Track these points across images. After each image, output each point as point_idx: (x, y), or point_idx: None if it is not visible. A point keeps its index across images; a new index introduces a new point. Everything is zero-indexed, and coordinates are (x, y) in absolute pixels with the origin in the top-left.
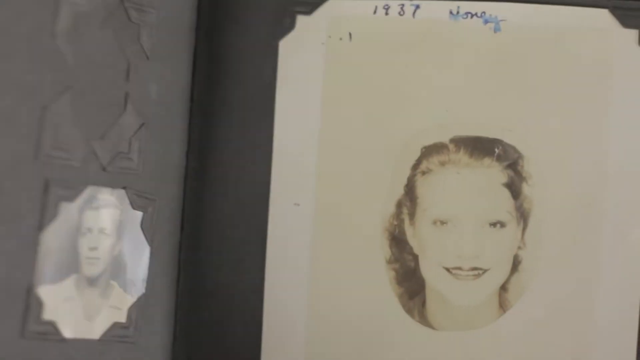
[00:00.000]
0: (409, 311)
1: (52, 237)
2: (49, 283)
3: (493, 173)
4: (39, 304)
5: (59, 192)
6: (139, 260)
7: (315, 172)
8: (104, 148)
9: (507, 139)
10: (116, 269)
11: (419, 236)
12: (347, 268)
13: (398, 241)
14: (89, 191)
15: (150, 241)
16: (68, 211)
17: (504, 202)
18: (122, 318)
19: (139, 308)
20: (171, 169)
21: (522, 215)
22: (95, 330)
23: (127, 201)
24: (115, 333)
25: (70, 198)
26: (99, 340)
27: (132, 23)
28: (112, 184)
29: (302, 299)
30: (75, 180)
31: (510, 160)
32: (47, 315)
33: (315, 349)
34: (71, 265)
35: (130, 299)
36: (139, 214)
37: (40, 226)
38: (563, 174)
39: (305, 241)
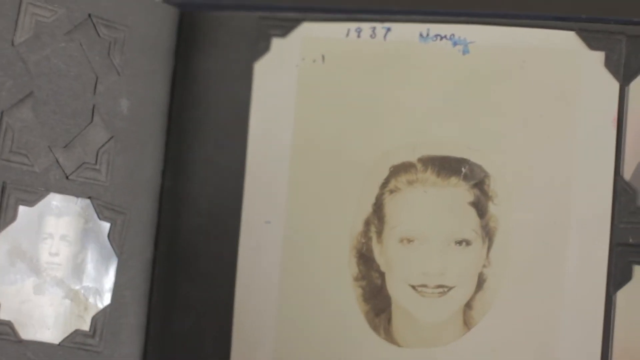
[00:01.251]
0: (375, 328)
1: (10, 239)
2: (7, 284)
3: (459, 192)
4: None
5: (17, 195)
6: (105, 270)
7: (287, 191)
8: (68, 157)
9: (474, 158)
10: (79, 276)
11: (386, 254)
12: (315, 285)
13: (365, 259)
14: (50, 197)
15: (119, 253)
16: (27, 215)
17: (470, 220)
18: (85, 326)
19: (105, 318)
20: (144, 185)
21: (488, 234)
22: (56, 335)
23: (92, 211)
24: (77, 340)
25: (30, 202)
26: (59, 345)
27: (100, 38)
28: (76, 193)
29: (271, 316)
30: (36, 186)
31: (477, 180)
32: (4, 315)
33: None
34: (31, 268)
35: (95, 308)
36: (106, 225)
37: None
38: (528, 194)
39: (276, 258)
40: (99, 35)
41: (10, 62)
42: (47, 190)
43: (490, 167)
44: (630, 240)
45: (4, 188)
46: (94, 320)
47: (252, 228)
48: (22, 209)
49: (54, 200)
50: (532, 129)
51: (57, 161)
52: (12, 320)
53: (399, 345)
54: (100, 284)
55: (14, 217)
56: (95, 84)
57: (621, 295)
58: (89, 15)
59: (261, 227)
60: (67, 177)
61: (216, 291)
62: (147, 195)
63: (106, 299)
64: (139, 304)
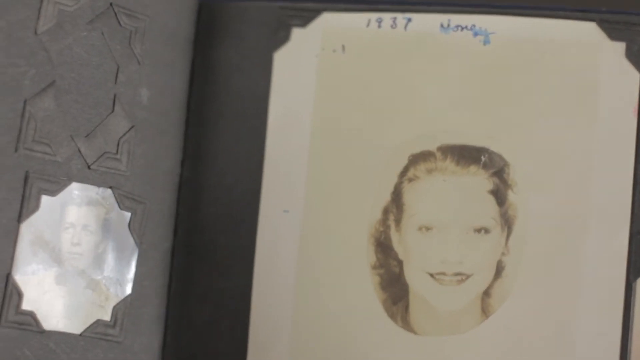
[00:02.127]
0: (392, 316)
1: (33, 229)
2: (29, 274)
3: (479, 180)
4: (18, 294)
5: (40, 185)
6: (126, 260)
7: (305, 180)
8: (90, 147)
9: (494, 147)
10: (101, 266)
11: (405, 242)
12: (333, 273)
13: (384, 247)
14: (72, 187)
15: (139, 243)
16: (50, 205)
17: (489, 208)
18: (106, 316)
19: (126, 308)
20: (163, 175)
21: (507, 222)
22: (77, 325)
23: (114, 201)
24: (98, 330)
25: (52, 192)
26: (81, 335)
27: (122, 27)
28: (97, 183)
29: (289, 305)
30: (58, 176)
31: (496, 168)
32: (26, 305)
33: (300, 355)
34: (53, 258)
35: (116, 298)
36: (127, 215)
37: (20, 217)
38: (548, 183)
39: (293, 247)
40: (120, 24)
41: (33, 51)
42: (69, 180)
43: (510, 155)
44: None
45: (26, 178)
46: (115, 310)
47: (270, 217)
48: (44, 198)
49: (76, 189)
50: (552, 119)
51: (79, 150)
52: (35, 311)
53: (416, 334)
54: (121, 274)
55: (36, 207)
56: (117, 74)
57: None
58: (111, 4)
59: (279, 216)
60: (88, 167)
61: (234, 280)
62: (166, 185)
63: (127, 289)
64: (158, 294)
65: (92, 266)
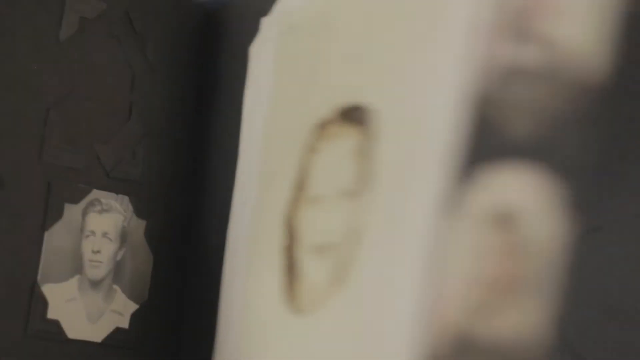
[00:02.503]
0: (290, 300)
1: (56, 237)
2: (53, 282)
3: (353, 141)
4: (44, 303)
5: (63, 193)
6: (142, 267)
7: (257, 169)
8: (108, 154)
9: (368, 102)
10: (119, 274)
11: (300, 219)
12: (266, 261)
13: (290, 228)
14: (92, 194)
15: (155, 249)
16: (71, 213)
17: (356, 170)
18: (125, 324)
19: (142, 315)
20: (178, 181)
21: (369, 182)
22: (98, 333)
23: (131, 208)
24: (117, 338)
25: (74, 200)
26: (101, 343)
27: (137, 34)
28: (115, 190)
29: (240, 296)
30: (79, 183)
31: (367, 124)
32: (51, 314)
33: (225, 343)
34: (75, 266)
35: (134, 306)
36: (143, 222)
37: (44, 226)
38: (402, 129)
39: (244, 238)
40: (135, 31)
41: (56, 59)
42: (90, 187)
43: (377, 108)
44: None
45: (49, 186)
46: (133, 317)
47: (236, 212)
48: (67, 206)
49: (96, 197)
50: (406, 57)
51: (98, 158)
52: (59, 319)
53: (300, 314)
54: (138, 282)
55: (59, 215)
56: (132, 80)
57: None
58: (127, 12)
59: (240, 211)
60: (107, 174)
61: (211, 279)
62: (181, 191)
63: (144, 296)
64: (173, 300)
65: (112, 274)
